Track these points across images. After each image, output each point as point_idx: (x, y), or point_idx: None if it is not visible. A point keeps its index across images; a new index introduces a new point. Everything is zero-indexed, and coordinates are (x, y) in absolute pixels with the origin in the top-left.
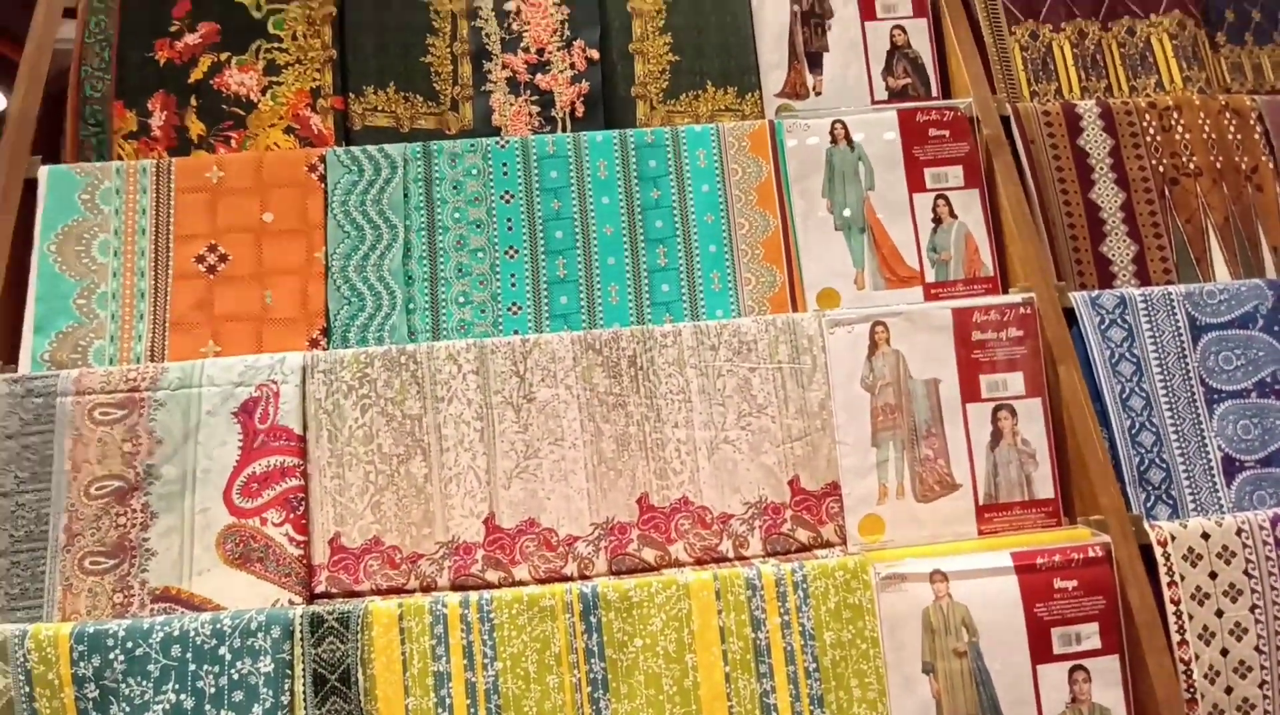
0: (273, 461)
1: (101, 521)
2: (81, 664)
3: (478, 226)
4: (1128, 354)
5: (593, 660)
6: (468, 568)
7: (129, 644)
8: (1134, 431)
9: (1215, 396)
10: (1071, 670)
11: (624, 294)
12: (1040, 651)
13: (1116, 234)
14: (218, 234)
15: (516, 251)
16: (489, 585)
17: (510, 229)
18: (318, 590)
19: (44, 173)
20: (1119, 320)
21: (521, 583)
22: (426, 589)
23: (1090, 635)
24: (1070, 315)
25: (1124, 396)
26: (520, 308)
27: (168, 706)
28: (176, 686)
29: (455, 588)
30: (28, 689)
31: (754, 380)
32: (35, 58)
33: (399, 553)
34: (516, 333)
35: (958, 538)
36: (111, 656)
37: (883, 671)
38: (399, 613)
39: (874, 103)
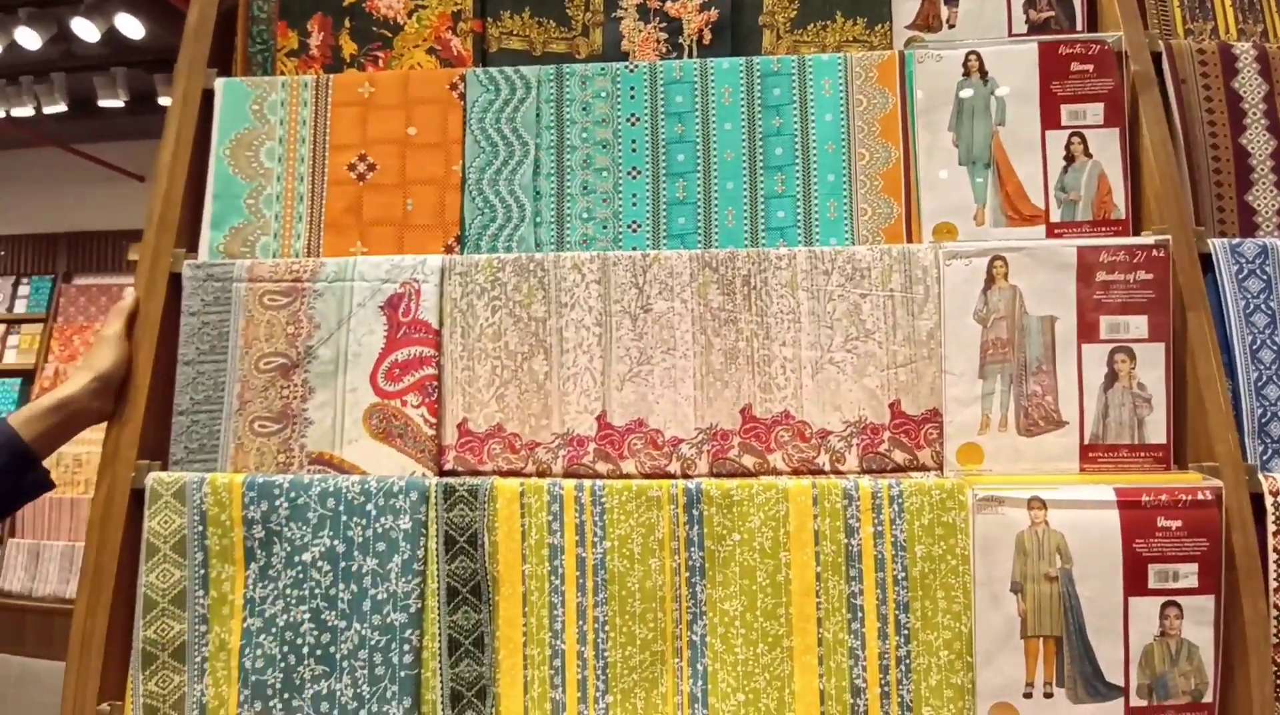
0: (412, 351)
1: (268, 392)
2: (251, 508)
3: (603, 147)
4: (1264, 306)
5: (692, 549)
6: (580, 458)
7: (292, 494)
8: (1260, 384)
9: None
10: (1164, 605)
11: (740, 218)
12: (1135, 585)
13: (1264, 183)
14: (367, 145)
15: (639, 172)
16: (598, 475)
17: (634, 150)
18: (446, 467)
19: (220, 84)
20: (1258, 271)
21: (628, 476)
22: (541, 474)
23: (1189, 574)
24: (1205, 263)
25: (1254, 348)
26: (640, 226)
27: (322, 549)
28: (330, 533)
29: (567, 475)
30: (200, 527)
31: (864, 306)
32: None
33: (519, 440)
34: (635, 249)
35: (1058, 473)
36: (277, 504)
37: (970, 587)
38: (520, 490)
39: (1011, 35)
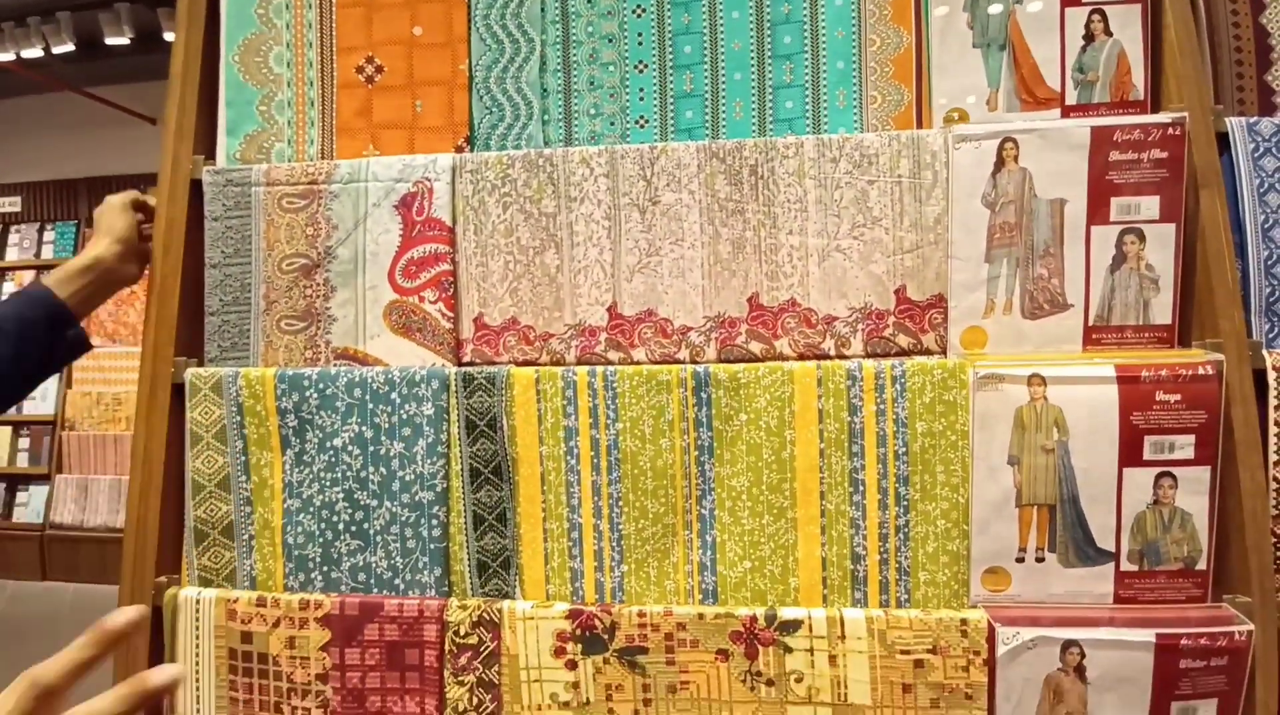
0: (428, 249)
1: (292, 292)
2: (284, 399)
3: (609, 41)
4: (1278, 185)
5: (701, 429)
6: (592, 348)
7: (320, 385)
8: (1270, 263)
9: None
10: (1159, 476)
11: (748, 110)
12: (1130, 456)
13: None
14: (374, 46)
15: (646, 66)
16: (610, 363)
17: (640, 44)
18: (464, 360)
19: None
20: (1274, 149)
21: (639, 363)
22: (555, 364)
23: (1185, 446)
24: (1221, 143)
25: (1266, 227)
26: (647, 121)
27: (352, 435)
28: (358, 420)
29: (580, 364)
30: (239, 417)
31: (871, 193)
32: None
33: (533, 332)
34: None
35: (1060, 354)
36: (307, 394)
37: (969, 461)
38: (536, 376)
39: None
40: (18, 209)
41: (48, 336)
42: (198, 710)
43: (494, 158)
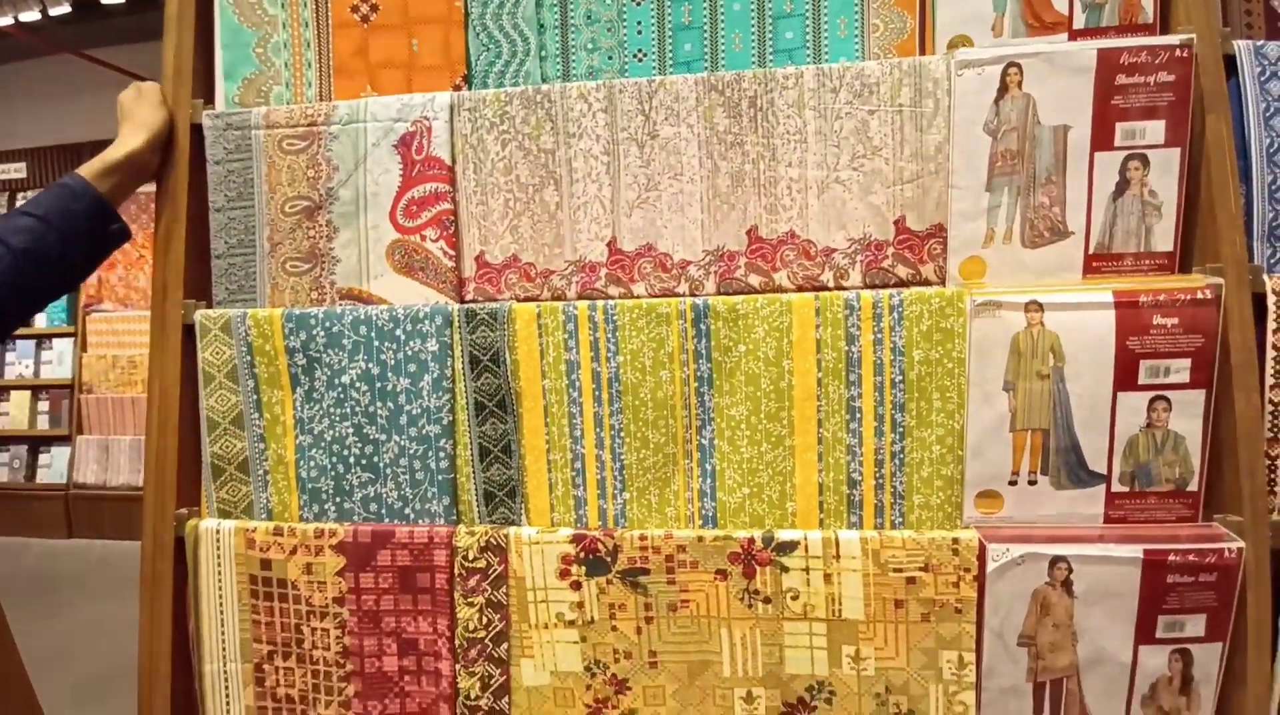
0: (428, 188)
1: (296, 233)
2: (292, 337)
3: None
4: None
5: (700, 360)
6: (592, 283)
7: (327, 323)
8: (1274, 187)
9: None
10: (1153, 399)
11: (747, 41)
12: (1125, 380)
13: None
14: None
15: None
16: (610, 299)
17: None
18: (467, 298)
19: None
20: None
21: (639, 298)
22: (556, 299)
23: (1180, 370)
24: (1229, 67)
25: (1271, 151)
26: (645, 55)
27: (359, 371)
28: (365, 357)
29: (581, 299)
30: (249, 357)
31: (872, 123)
32: None
33: (534, 269)
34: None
35: (1060, 282)
36: (314, 333)
37: (964, 388)
38: (538, 311)
39: None
40: (23, 175)
41: (90, 230)
42: (223, 633)
43: (492, 95)
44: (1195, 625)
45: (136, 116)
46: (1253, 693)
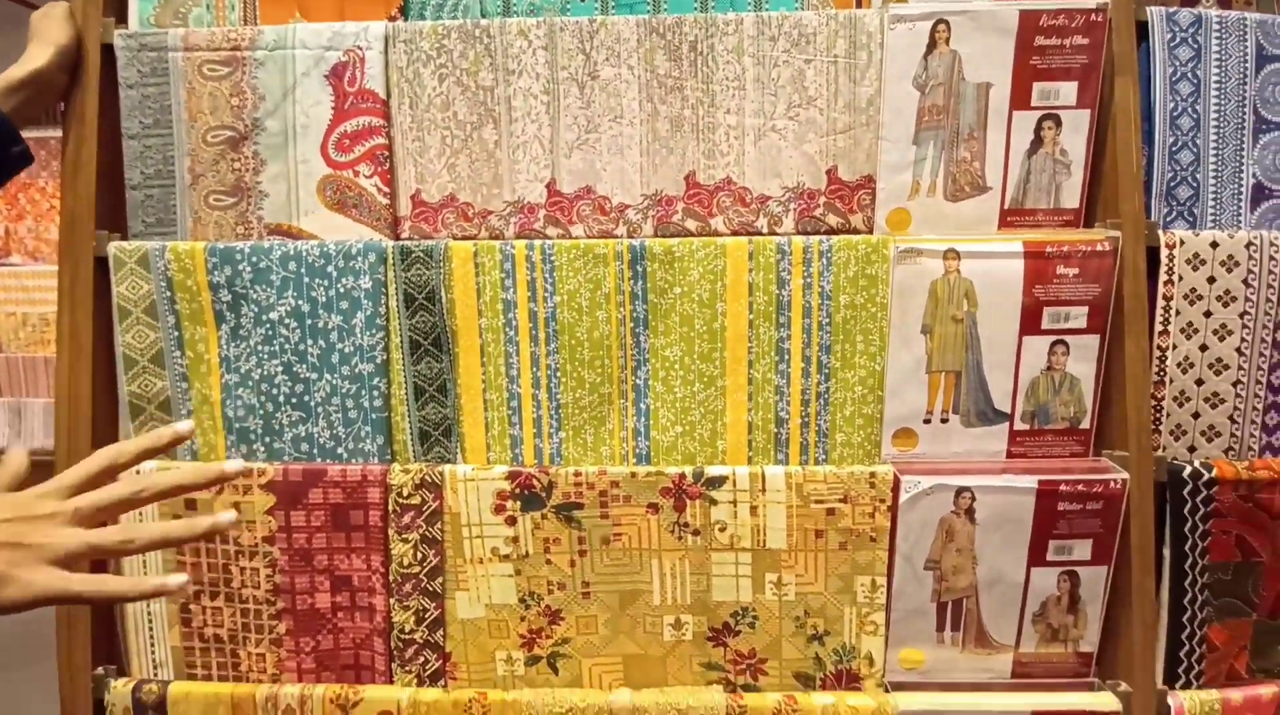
0: (361, 121)
1: (219, 165)
2: (216, 273)
3: None
4: (1190, 74)
5: (636, 302)
6: (531, 224)
7: (254, 258)
8: (1174, 149)
9: (1264, 126)
10: (1054, 343)
11: None
12: (1029, 325)
13: None
14: None
15: None
16: (549, 240)
17: None
18: (402, 237)
19: None
20: (1190, 39)
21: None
22: (495, 239)
23: (1079, 316)
24: (1141, 32)
25: (1174, 114)
26: None
27: (288, 308)
28: (295, 294)
29: (520, 238)
30: (169, 293)
31: (808, 72)
32: None
33: (471, 208)
34: None
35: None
36: (240, 268)
37: (886, 331)
38: (474, 249)
39: None
40: None
41: None
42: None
43: (429, 27)
44: (1082, 549)
45: (44, 34)
46: (1136, 610)
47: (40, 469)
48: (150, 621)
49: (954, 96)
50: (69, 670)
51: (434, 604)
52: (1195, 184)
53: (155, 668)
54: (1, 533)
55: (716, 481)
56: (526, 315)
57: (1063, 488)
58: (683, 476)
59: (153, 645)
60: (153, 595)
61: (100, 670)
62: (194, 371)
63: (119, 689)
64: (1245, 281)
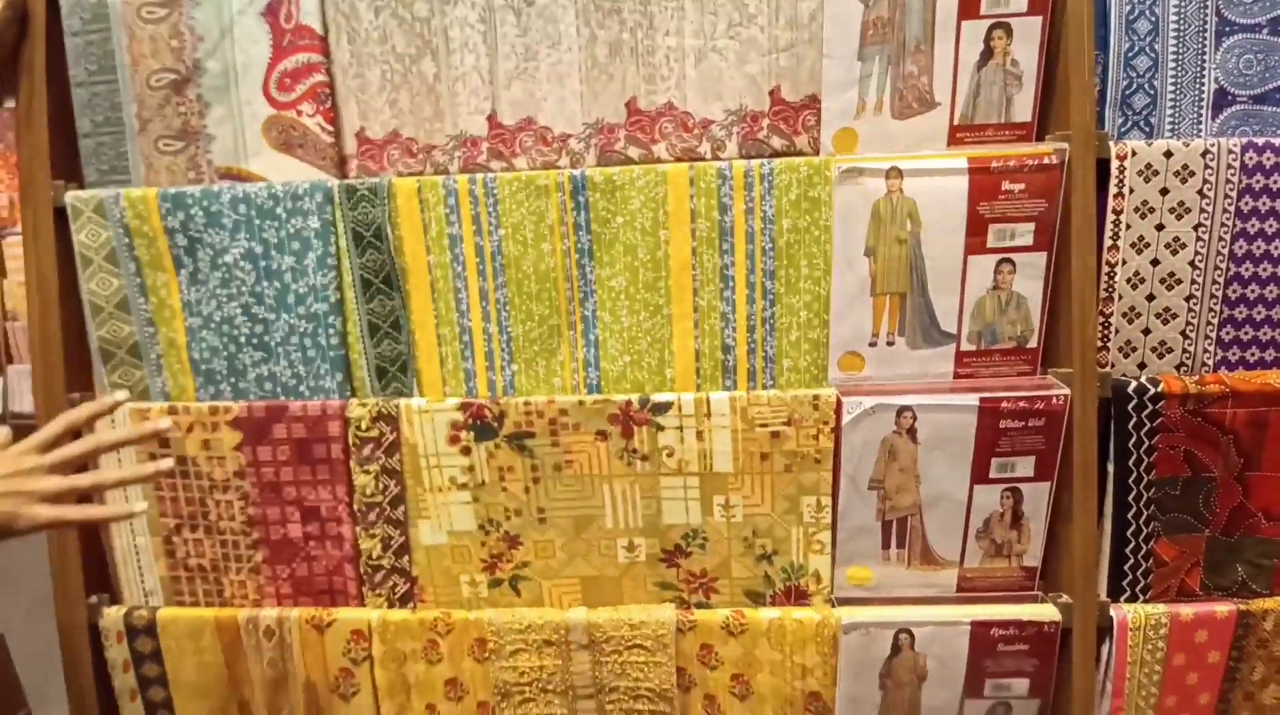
0: (300, 59)
1: (165, 109)
2: (169, 218)
3: None
4: None
5: (580, 232)
6: (475, 158)
7: (205, 202)
8: (1131, 55)
9: (1227, 28)
10: (999, 262)
11: None
12: (975, 244)
13: None
14: None
15: None
16: (493, 173)
17: None
18: (350, 176)
19: None
20: None
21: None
22: (440, 174)
23: (1025, 233)
24: None
25: (1130, 18)
26: None
27: (242, 250)
28: (247, 236)
29: (464, 173)
30: (127, 239)
31: None
32: None
33: (415, 144)
34: None
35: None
36: (193, 213)
37: (830, 254)
38: (418, 186)
39: None
40: None
41: None
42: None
43: None
44: (1025, 466)
45: None
46: (1078, 525)
47: (25, 432)
48: (138, 555)
49: (899, 8)
50: (65, 599)
51: (398, 531)
52: (1152, 91)
53: (145, 596)
54: (4, 485)
55: (662, 407)
56: (473, 250)
57: (1004, 405)
58: (629, 403)
59: (142, 576)
60: (125, 517)
61: (94, 599)
62: (159, 316)
63: (112, 615)
64: (1200, 192)
